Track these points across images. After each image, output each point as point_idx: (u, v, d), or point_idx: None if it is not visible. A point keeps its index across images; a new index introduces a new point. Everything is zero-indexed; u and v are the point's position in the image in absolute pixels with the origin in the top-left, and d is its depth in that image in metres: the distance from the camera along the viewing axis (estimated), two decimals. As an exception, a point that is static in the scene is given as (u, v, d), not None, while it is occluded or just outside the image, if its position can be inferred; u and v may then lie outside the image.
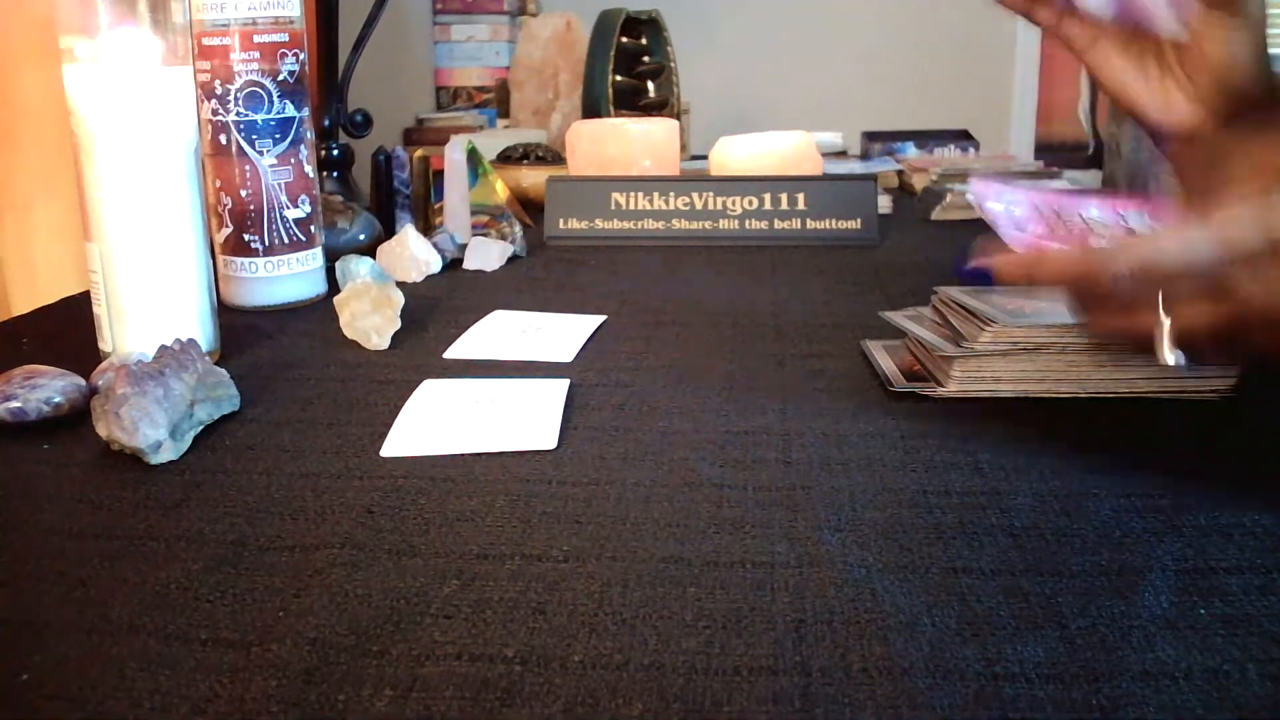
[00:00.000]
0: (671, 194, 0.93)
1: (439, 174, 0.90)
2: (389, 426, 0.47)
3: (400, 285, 0.74)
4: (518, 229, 0.86)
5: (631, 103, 1.36)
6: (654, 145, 1.02)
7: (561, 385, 0.52)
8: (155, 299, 0.55)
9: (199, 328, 0.56)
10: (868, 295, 0.72)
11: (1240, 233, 0.39)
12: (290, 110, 0.68)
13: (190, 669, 0.29)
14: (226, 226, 0.68)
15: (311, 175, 0.71)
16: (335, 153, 0.94)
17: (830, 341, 0.61)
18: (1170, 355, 0.41)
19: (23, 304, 0.85)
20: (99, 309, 0.55)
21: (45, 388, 0.48)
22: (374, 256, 0.78)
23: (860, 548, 0.36)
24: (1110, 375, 0.48)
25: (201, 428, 0.47)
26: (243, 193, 0.68)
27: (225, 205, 0.68)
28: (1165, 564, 0.34)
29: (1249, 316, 0.40)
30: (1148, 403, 0.48)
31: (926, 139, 1.43)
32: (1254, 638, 0.30)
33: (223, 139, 0.67)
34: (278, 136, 0.68)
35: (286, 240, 0.69)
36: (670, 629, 0.31)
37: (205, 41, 0.66)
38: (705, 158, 1.15)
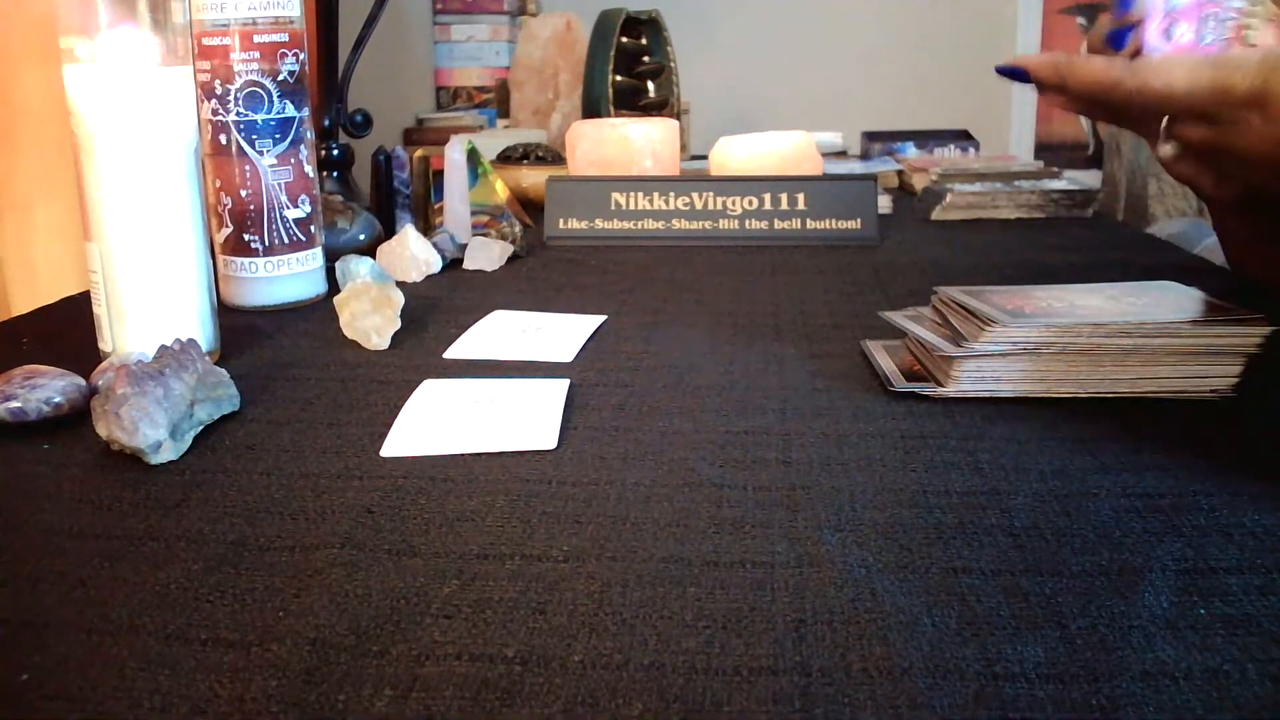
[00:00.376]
0: (671, 194, 0.93)
1: (439, 174, 0.90)
2: (389, 426, 0.47)
3: (400, 285, 0.74)
4: (518, 229, 0.86)
5: (631, 103, 1.36)
6: (654, 145, 1.02)
7: (561, 385, 0.52)
8: (155, 299, 0.55)
9: (199, 328, 0.56)
10: (868, 295, 0.72)
11: (1232, 78, 0.48)
12: (290, 110, 0.68)
13: (190, 669, 0.29)
14: (226, 226, 0.68)
15: (311, 175, 0.71)
16: (335, 153, 0.94)
17: (830, 341, 0.61)
18: (1165, 149, 0.54)
19: (23, 304, 0.85)
20: (99, 309, 0.55)
21: (45, 388, 0.48)
22: (374, 256, 0.78)
23: (860, 548, 0.36)
24: (1110, 375, 0.48)
25: (201, 428, 0.47)
26: (243, 193, 0.68)
27: (225, 205, 0.68)
28: (1165, 564, 0.34)
29: (1229, 147, 0.50)
30: (1148, 403, 0.48)
31: (926, 139, 1.44)
32: (1254, 638, 0.30)
33: (223, 139, 0.67)
34: (278, 136, 0.68)
35: (286, 240, 0.69)
36: (670, 629, 0.31)
37: (205, 41, 0.66)
38: (705, 158, 1.15)
